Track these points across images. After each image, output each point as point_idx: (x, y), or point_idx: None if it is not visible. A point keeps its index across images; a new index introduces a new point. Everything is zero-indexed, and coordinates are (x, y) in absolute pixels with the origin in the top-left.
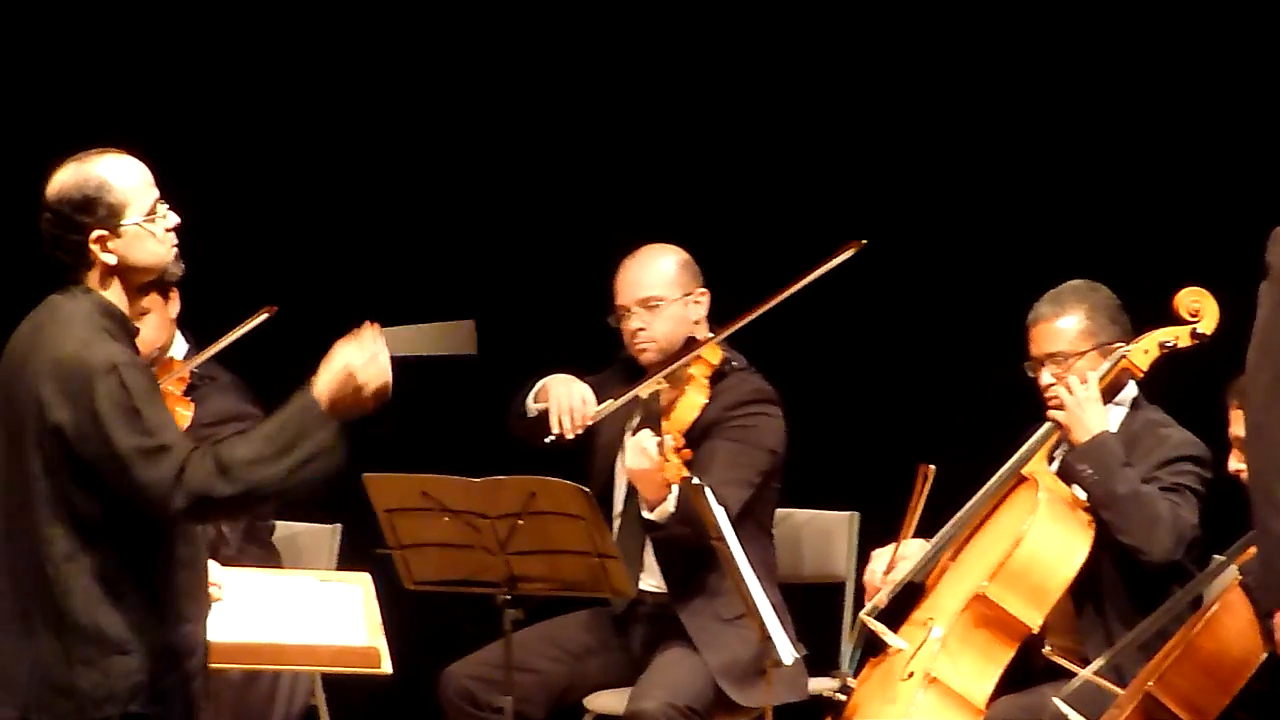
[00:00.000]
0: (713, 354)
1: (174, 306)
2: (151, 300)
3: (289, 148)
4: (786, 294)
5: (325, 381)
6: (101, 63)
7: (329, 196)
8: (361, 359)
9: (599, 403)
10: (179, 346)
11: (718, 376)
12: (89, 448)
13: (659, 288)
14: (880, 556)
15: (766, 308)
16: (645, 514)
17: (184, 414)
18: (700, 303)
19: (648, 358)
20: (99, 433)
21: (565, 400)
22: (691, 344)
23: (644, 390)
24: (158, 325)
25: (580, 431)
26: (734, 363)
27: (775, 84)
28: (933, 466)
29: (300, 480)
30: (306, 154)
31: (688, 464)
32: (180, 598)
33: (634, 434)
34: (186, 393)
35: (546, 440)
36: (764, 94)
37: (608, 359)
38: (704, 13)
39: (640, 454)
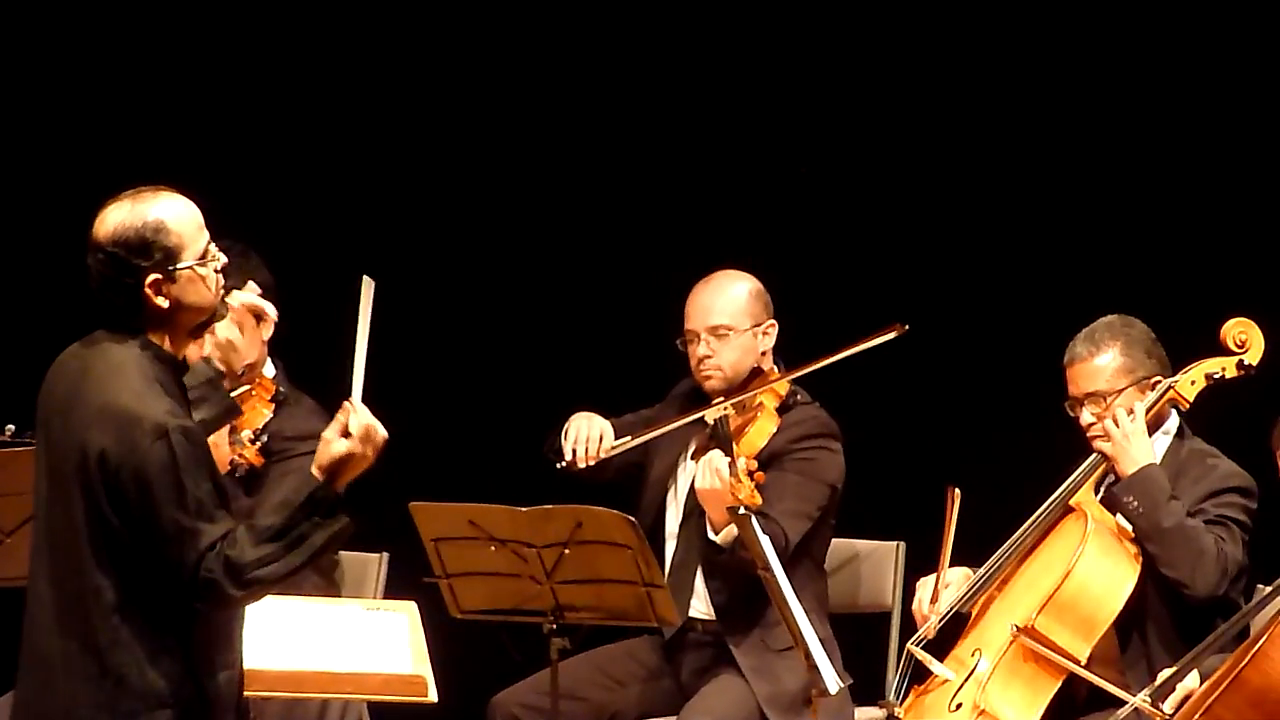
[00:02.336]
0: (781, 385)
1: (267, 329)
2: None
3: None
4: (832, 360)
5: (329, 468)
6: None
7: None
8: (358, 438)
9: (640, 436)
10: (268, 368)
11: (784, 408)
12: (131, 506)
13: (730, 316)
14: (925, 585)
15: (822, 365)
16: (711, 536)
17: (264, 412)
18: (769, 334)
19: (712, 385)
20: (142, 498)
21: (580, 432)
22: (757, 374)
23: (710, 414)
24: (249, 343)
25: (593, 463)
26: (799, 395)
27: (850, 127)
28: (958, 489)
29: (312, 563)
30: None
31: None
32: (216, 648)
33: (695, 458)
34: (272, 400)
35: (559, 467)
36: (843, 136)
37: (656, 391)
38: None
39: (713, 474)
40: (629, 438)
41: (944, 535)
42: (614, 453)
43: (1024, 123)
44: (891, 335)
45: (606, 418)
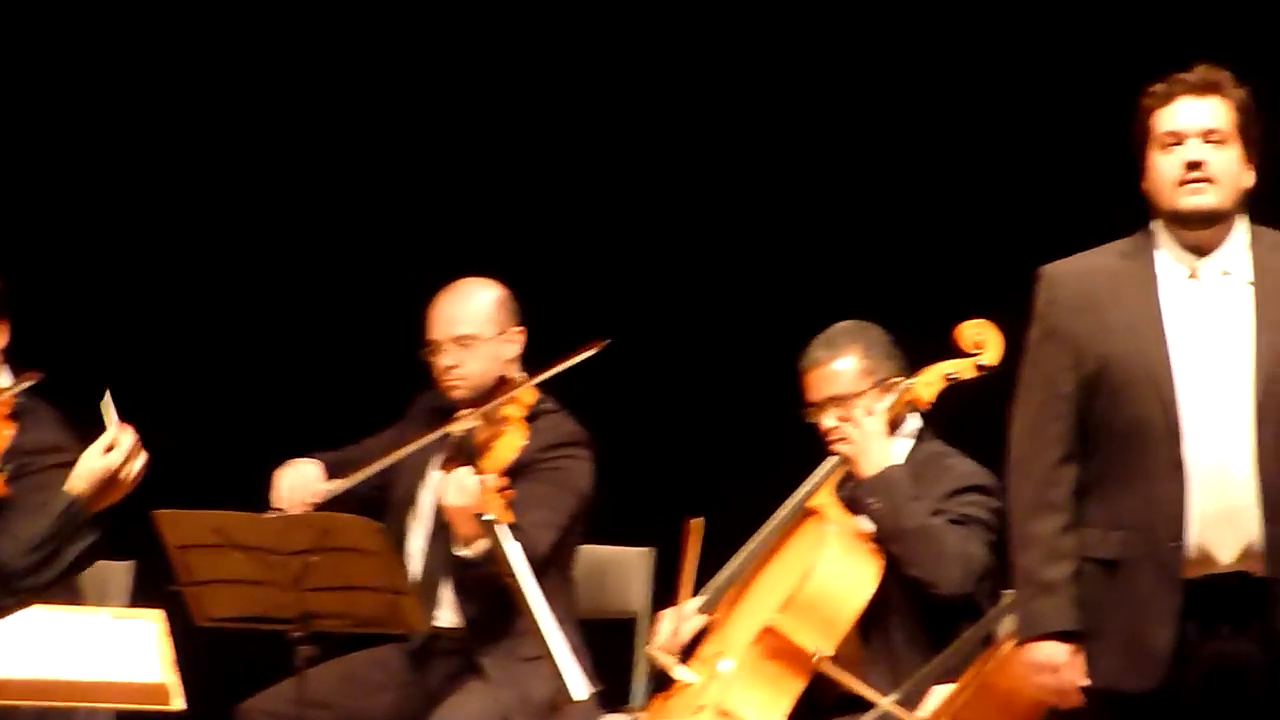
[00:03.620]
0: (528, 394)
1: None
2: None
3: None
4: (540, 378)
5: (86, 483)
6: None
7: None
8: (120, 456)
9: (394, 451)
10: (3, 377)
11: (532, 417)
12: None
13: (475, 325)
14: (668, 618)
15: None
16: (459, 551)
17: (5, 434)
18: (515, 342)
19: (458, 394)
20: None
21: (284, 483)
22: (503, 383)
23: (458, 428)
24: None
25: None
26: (547, 404)
27: (579, 132)
28: (701, 519)
29: (70, 576)
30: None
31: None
32: None
33: (444, 471)
34: (11, 417)
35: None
36: (573, 139)
37: (400, 398)
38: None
39: (460, 491)
40: (344, 479)
41: (683, 567)
42: (328, 495)
43: (749, 147)
44: (593, 351)
45: (347, 444)
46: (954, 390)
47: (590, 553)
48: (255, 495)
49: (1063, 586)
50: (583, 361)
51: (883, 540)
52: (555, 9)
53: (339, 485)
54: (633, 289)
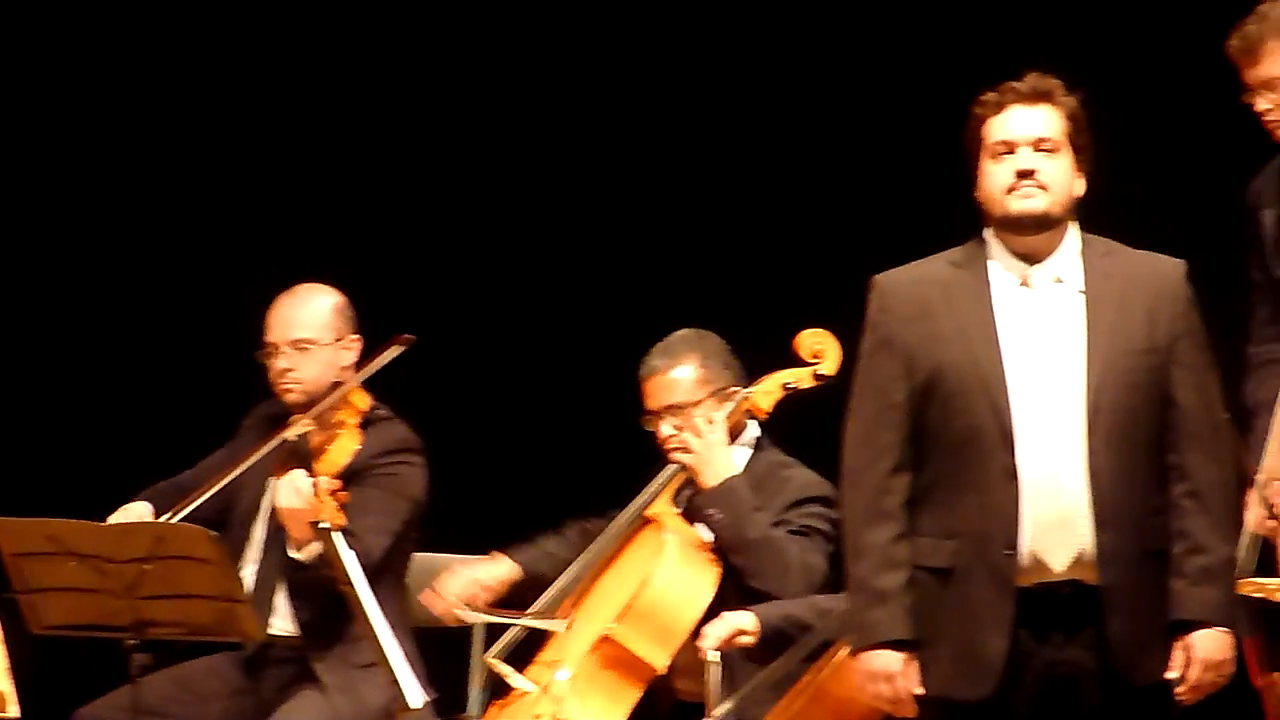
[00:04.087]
0: (361, 400)
1: None
2: None
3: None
4: (360, 377)
5: None
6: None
7: None
8: None
9: (229, 469)
10: None
11: (366, 423)
12: None
13: (312, 329)
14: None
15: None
16: (293, 554)
17: None
18: (351, 349)
19: (292, 398)
20: None
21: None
22: (338, 389)
23: (293, 432)
24: None
25: None
26: (380, 410)
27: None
28: None
29: None
30: None
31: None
32: None
33: (278, 476)
34: None
35: None
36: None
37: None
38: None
39: (294, 493)
40: (172, 511)
41: None
42: None
43: (584, 153)
44: (401, 348)
45: (184, 468)
46: (792, 399)
47: (425, 560)
48: (92, 503)
49: (896, 595)
50: (395, 359)
51: (725, 551)
52: (372, 13)
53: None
54: (472, 294)
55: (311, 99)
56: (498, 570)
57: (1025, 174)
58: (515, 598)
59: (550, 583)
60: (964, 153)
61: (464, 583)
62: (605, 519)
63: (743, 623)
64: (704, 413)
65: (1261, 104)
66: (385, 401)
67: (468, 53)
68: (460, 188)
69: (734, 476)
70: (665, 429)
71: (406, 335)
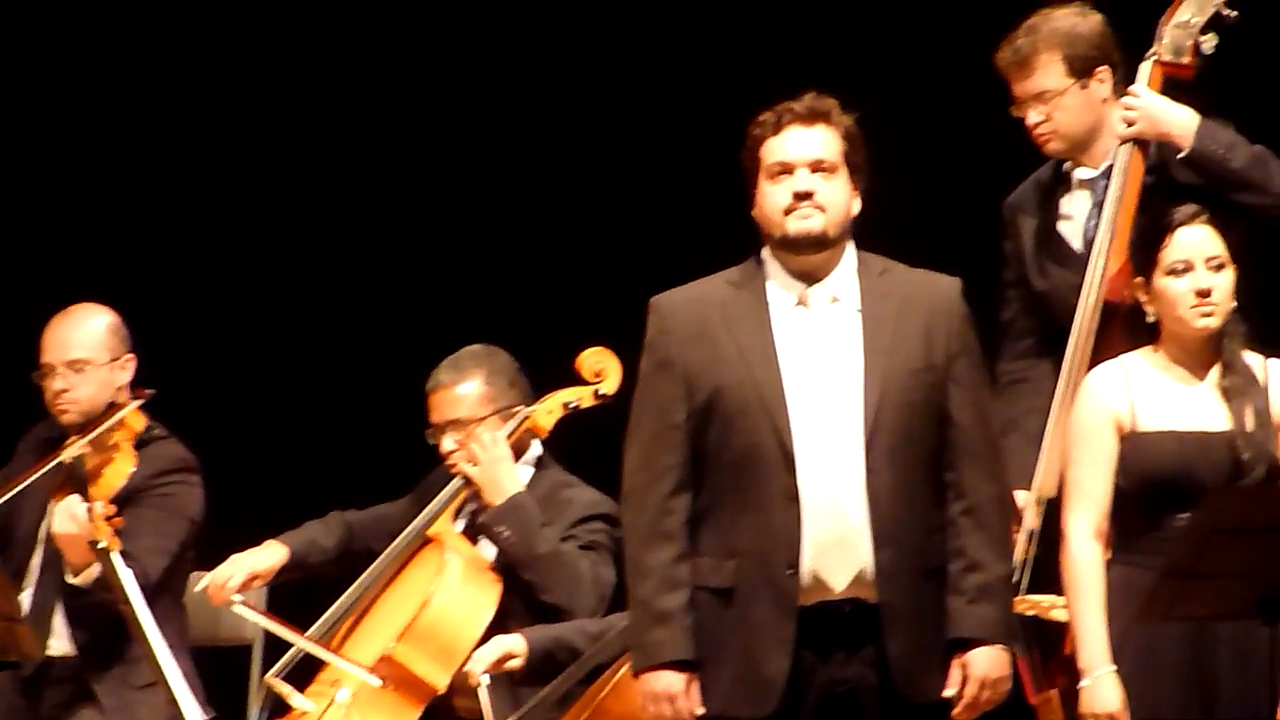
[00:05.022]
0: (136, 420)
1: None
2: None
3: None
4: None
5: None
6: None
7: None
8: None
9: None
10: None
11: (141, 444)
12: None
13: (88, 350)
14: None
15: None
16: (70, 578)
17: None
18: (127, 369)
19: (69, 419)
20: None
21: None
22: (113, 409)
23: (68, 454)
24: None
25: None
26: (156, 430)
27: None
28: None
29: None
30: None
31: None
32: None
33: (54, 499)
34: None
35: None
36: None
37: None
38: None
39: (69, 519)
40: None
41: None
42: None
43: (393, 147)
44: (139, 402)
45: None
46: (574, 418)
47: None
48: None
49: (678, 616)
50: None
51: (515, 567)
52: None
53: None
54: (251, 309)
55: (77, 124)
56: (269, 556)
57: (803, 195)
58: (291, 598)
59: (315, 568)
60: (741, 172)
61: (240, 571)
62: (369, 514)
63: (511, 646)
64: (487, 430)
65: (1033, 116)
66: (161, 420)
67: (246, 64)
68: (248, 203)
69: (520, 493)
70: (448, 443)
71: (147, 390)
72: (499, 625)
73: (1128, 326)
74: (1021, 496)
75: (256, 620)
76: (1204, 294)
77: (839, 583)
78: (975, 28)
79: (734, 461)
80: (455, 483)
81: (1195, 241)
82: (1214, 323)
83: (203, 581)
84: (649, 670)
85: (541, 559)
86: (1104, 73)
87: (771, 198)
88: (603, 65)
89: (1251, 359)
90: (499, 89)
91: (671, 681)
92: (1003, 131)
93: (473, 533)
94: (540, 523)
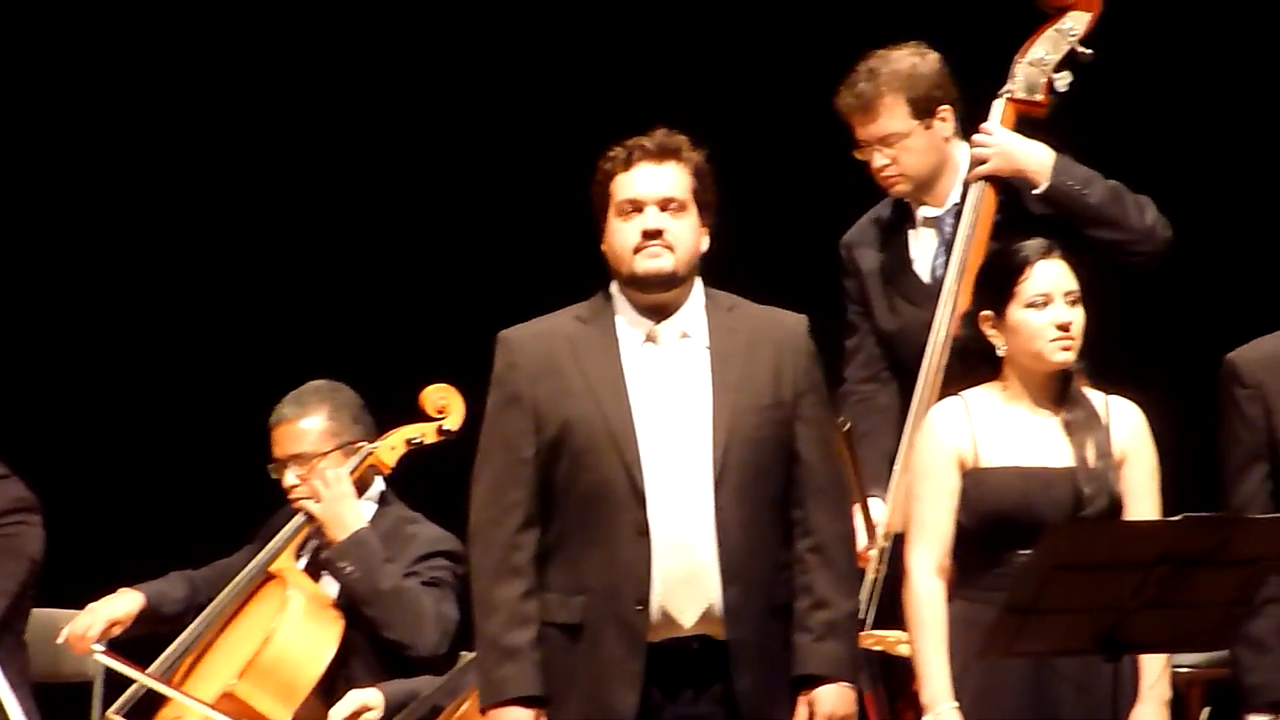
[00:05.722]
0: None
1: None
2: None
3: None
4: None
5: None
6: None
7: None
8: None
9: None
10: None
11: None
12: None
13: None
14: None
15: None
16: None
17: None
18: None
19: None
20: None
21: None
22: None
23: None
24: None
25: None
26: None
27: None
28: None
29: None
30: None
31: None
32: None
33: None
34: None
35: None
36: None
37: None
38: None
39: None
40: None
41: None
42: None
43: (239, 181)
44: None
45: None
46: (418, 454)
47: (43, 616)
48: None
49: (526, 652)
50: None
51: (357, 604)
52: None
53: None
54: (90, 342)
55: None
56: (126, 604)
57: (652, 234)
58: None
59: (168, 618)
60: (590, 205)
61: (99, 619)
62: (210, 568)
63: (367, 699)
64: (330, 465)
65: (879, 160)
66: (1, 460)
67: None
68: (86, 237)
69: (364, 529)
70: (290, 478)
71: None
72: (341, 662)
73: (964, 362)
74: (877, 505)
75: (101, 659)
76: (1064, 328)
77: (687, 619)
78: (817, 64)
79: (583, 496)
80: (297, 519)
81: (1054, 275)
82: (1071, 357)
83: (63, 633)
84: (496, 706)
85: (384, 595)
86: (945, 111)
87: (621, 235)
88: (448, 98)
89: (1093, 395)
90: (338, 126)
91: (519, 718)
92: (846, 168)
93: (315, 569)
94: (383, 559)
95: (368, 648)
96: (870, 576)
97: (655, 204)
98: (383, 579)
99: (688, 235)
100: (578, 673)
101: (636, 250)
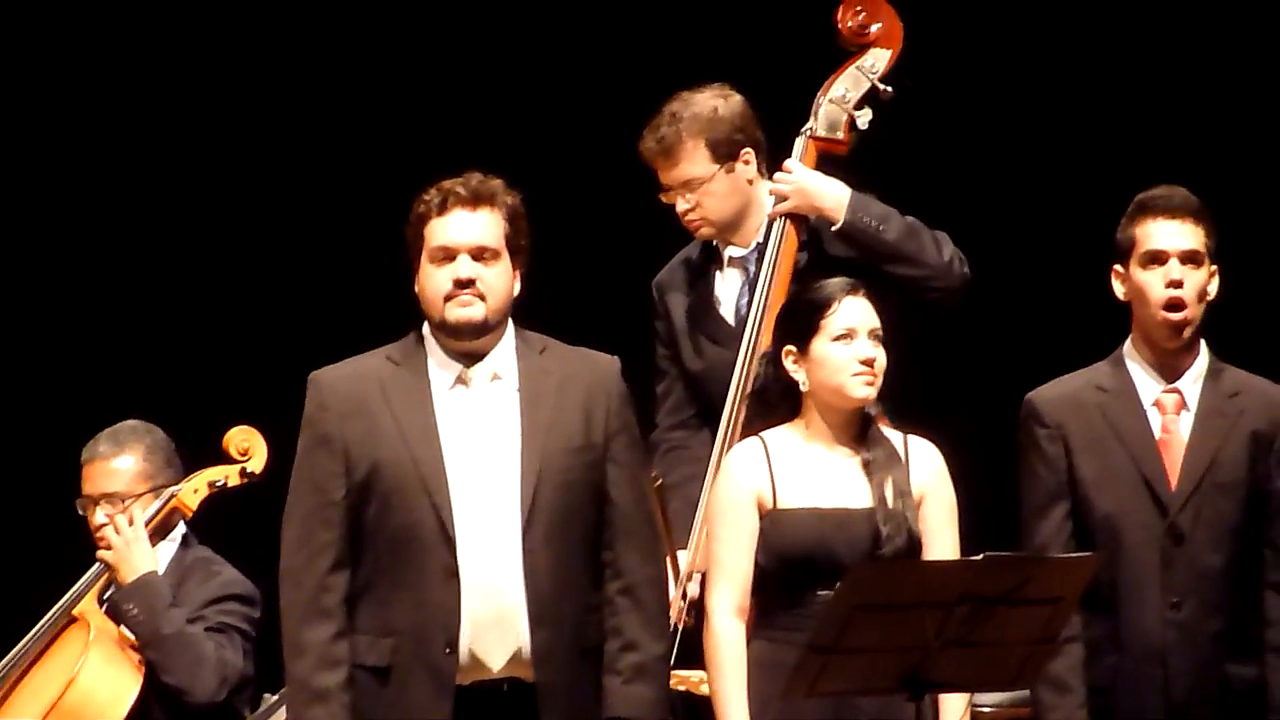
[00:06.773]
0: None
1: None
2: None
3: None
4: None
5: None
6: None
7: None
8: None
9: None
10: None
11: None
12: None
13: None
14: None
15: None
16: None
17: None
18: None
19: None
20: None
21: None
22: None
23: None
24: None
25: None
26: None
27: None
28: None
29: None
30: None
31: None
32: None
33: None
34: None
35: None
36: None
37: None
38: None
39: None
40: None
41: None
42: None
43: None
44: None
45: None
46: (221, 497)
47: None
48: None
49: (335, 694)
50: None
51: (141, 647)
52: None
53: None
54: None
55: None
56: None
57: (464, 284)
58: None
59: None
60: (403, 244)
61: None
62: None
63: None
64: (141, 508)
65: (682, 204)
66: None
67: None
68: None
69: (150, 573)
70: (99, 517)
71: None
72: (144, 706)
73: (763, 402)
74: (684, 557)
75: None
76: (867, 363)
77: (496, 662)
78: (627, 104)
79: (392, 538)
80: (99, 563)
81: (859, 312)
82: (872, 393)
83: None
84: None
85: (164, 639)
86: (748, 153)
87: (433, 281)
88: (257, 140)
89: (893, 435)
90: (152, 161)
91: None
92: (659, 209)
93: (114, 612)
94: (168, 603)
95: (158, 692)
96: (675, 621)
97: (468, 252)
98: (165, 623)
99: (500, 283)
100: (386, 715)
101: (448, 299)
